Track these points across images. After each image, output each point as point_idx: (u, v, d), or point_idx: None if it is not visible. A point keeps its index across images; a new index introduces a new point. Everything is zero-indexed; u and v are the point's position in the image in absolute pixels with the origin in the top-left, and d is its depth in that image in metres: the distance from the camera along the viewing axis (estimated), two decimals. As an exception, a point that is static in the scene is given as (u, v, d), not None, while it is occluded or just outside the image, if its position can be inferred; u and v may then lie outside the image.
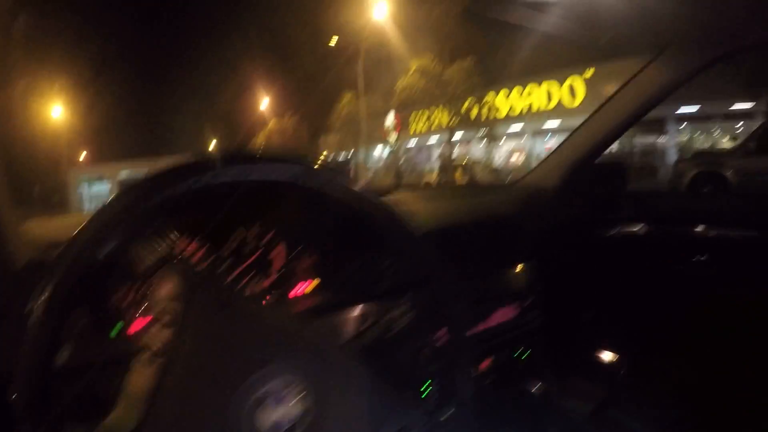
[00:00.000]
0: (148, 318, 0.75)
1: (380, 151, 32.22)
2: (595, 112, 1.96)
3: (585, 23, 1.53)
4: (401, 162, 28.18)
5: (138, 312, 0.98)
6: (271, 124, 38.05)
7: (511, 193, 2.08)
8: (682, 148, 19.84)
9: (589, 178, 1.98)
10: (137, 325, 0.98)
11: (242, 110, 41.21)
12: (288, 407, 0.71)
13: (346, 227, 1.08)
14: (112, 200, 0.70)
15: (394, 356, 1.15)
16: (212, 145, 50.98)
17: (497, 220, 1.74)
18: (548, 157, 2.11)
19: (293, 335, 0.76)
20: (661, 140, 21.12)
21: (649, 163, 19.97)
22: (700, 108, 19.51)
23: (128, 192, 0.71)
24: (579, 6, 1.44)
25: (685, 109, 19.83)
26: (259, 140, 38.76)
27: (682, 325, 1.79)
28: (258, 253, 1.20)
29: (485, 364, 1.60)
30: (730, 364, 1.69)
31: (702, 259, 1.74)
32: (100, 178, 43.25)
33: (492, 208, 1.83)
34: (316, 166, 0.84)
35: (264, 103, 39.76)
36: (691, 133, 21.20)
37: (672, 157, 18.74)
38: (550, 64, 20.90)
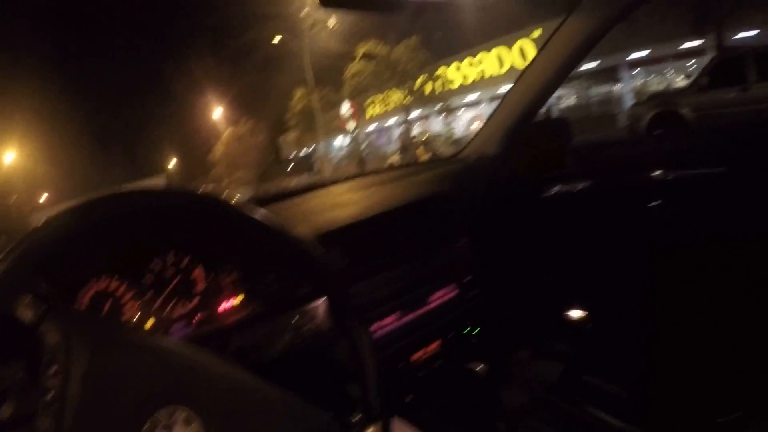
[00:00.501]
0: (37, 367, 0.71)
1: (341, 141, 32.19)
2: (524, 72, 1.93)
3: None
4: (363, 148, 28.17)
5: (26, 363, 0.94)
6: (227, 133, 37.70)
7: (451, 165, 2.03)
8: (638, 93, 20.09)
9: (528, 139, 1.96)
10: (24, 376, 0.94)
11: (197, 124, 40.72)
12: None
13: (248, 244, 1.13)
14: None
15: (306, 363, 1.22)
16: (172, 163, 50.54)
17: (433, 198, 1.68)
18: (485, 124, 2.09)
19: (184, 367, 0.74)
20: (617, 88, 21.40)
21: (606, 112, 20.21)
22: (651, 51, 19.77)
23: (17, 243, 0.69)
24: None
25: (636, 55, 20.09)
26: (218, 150, 38.42)
27: (641, 276, 1.78)
28: (177, 280, 1.21)
29: (433, 346, 1.59)
30: (696, 312, 1.68)
31: (655, 204, 1.71)
32: None
33: (430, 185, 1.78)
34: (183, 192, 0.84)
35: (217, 112, 39.33)
36: (645, 76, 21.51)
37: (628, 102, 18.97)
38: (497, 29, 21.01)
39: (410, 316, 1.49)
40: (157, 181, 45.67)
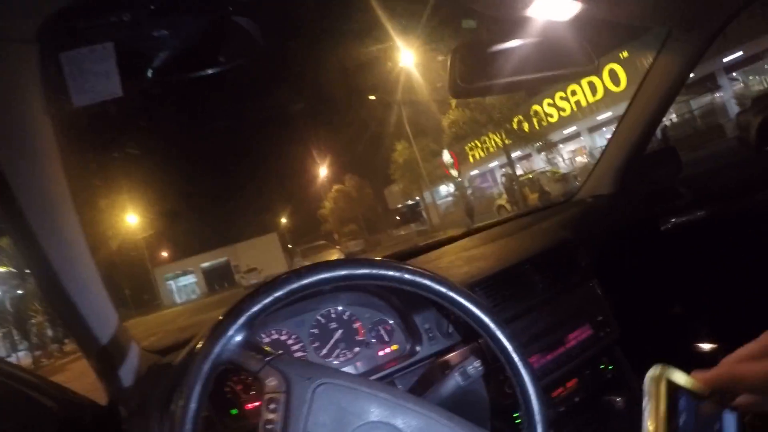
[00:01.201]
0: (258, 403, 0.87)
1: (446, 189, 32.56)
2: (628, 108, 1.96)
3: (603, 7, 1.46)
4: (469, 193, 28.34)
5: (249, 398, 1.23)
6: (334, 189, 39.06)
7: (570, 210, 2.07)
8: (740, 97, 19.14)
9: (640, 174, 1.98)
10: (249, 408, 1.22)
11: (303, 184, 42.55)
12: None
13: (407, 297, 1.23)
14: (226, 315, 0.86)
15: (479, 395, 1.31)
16: (282, 221, 52.69)
17: (561, 245, 1.73)
18: (596, 165, 2.11)
19: (385, 399, 0.87)
20: (718, 96, 20.50)
21: (711, 123, 19.35)
22: (745, 50, 18.82)
23: (236, 307, 0.86)
24: None
25: (731, 56, 19.24)
26: (326, 207, 39.75)
27: None
28: (340, 331, 1.38)
29: (571, 384, 1.64)
30: None
31: None
32: (184, 272, 45.82)
33: (555, 232, 1.83)
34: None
35: (322, 172, 40.95)
36: (745, 78, 20.44)
37: (733, 109, 18.11)
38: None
39: (549, 357, 1.54)
40: (270, 238, 47.60)
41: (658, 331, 1.92)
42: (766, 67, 19.70)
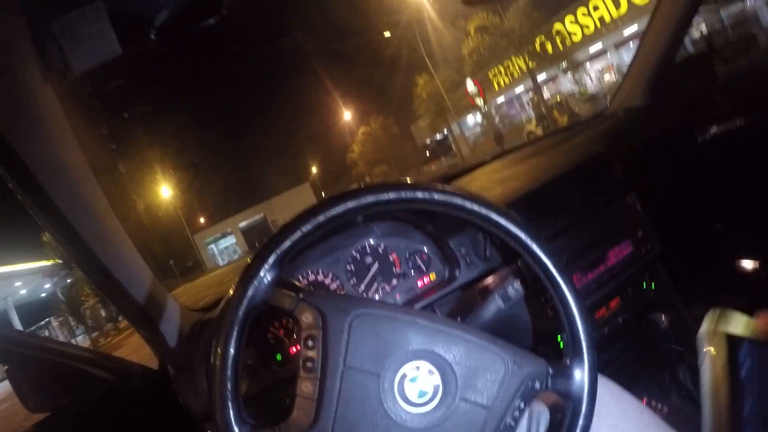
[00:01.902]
0: (298, 345, 0.85)
1: (473, 119, 32.24)
2: (653, 16, 1.87)
3: None
4: (497, 122, 28.07)
5: (290, 342, 1.26)
6: (360, 132, 38.92)
7: (603, 124, 1.99)
8: None
9: (672, 84, 1.89)
10: (292, 350, 1.26)
11: (328, 131, 42.47)
12: (429, 379, 0.82)
13: (443, 221, 1.24)
14: (255, 256, 0.83)
15: (520, 318, 1.30)
16: (313, 171, 52.95)
17: (595, 159, 1.67)
18: (625, 77, 2.04)
19: (424, 326, 0.84)
20: (749, 2, 19.65)
21: (743, 33, 18.65)
22: None
23: (265, 246, 0.83)
24: None
25: None
26: (355, 150, 39.72)
27: None
28: (377, 265, 1.38)
29: (614, 303, 1.61)
30: None
31: None
32: (224, 234, 46.51)
33: (587, 147, 1.77)
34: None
35: (346, 116, 40.73)
36: None
37: (766, 17, 17.40)
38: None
39: (591, 276, 1.50)
40: (303, 189, 47.94)
41: (700, 247, 1.86)
42: None
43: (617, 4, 21.64)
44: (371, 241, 1.39)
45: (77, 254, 0.97)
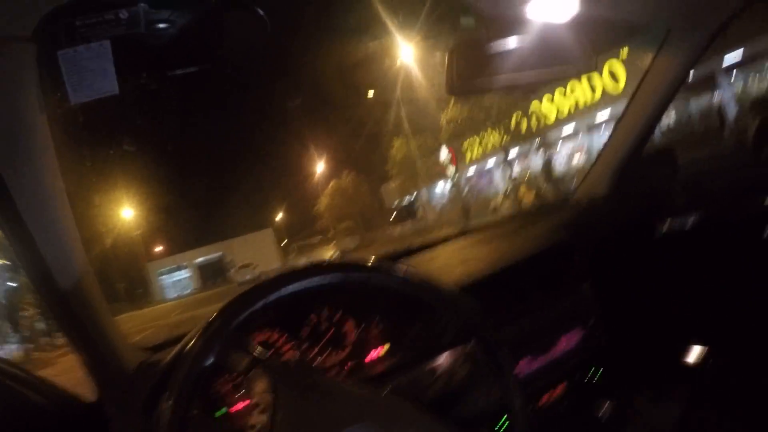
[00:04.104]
0: (246, 402, 0.93)
1: (443, 187, 32.51)
2: (626, 109, 1.96)
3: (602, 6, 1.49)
4: (465, 193, 28.28)
5: (237, 398, 1.22)
6: (331, 185, 38.97)
7: (566, 212, 2.08)
8: (739, 99, 19.05)
9: (636, 175, 1.96)
10: (237, 408, 1.22)
11: (299, 179, 42.41)
12: None
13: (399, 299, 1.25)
14: (216, 317, 0.91)
15: (462, 401, 1.33)
16: (278, 216, 52.65)
17: (555, 248, 1.75)
18: (593, 166, 2.10)
19: (368, 401, 0.92)
20: (716, 97, 20.39)
21: (710, 125, 19.28)
22: (745, 50, 18.72)
23: (227, 309, 0.91)
24: None
25: (730, 57, 19.14)
26: (323, 202, 39.66)
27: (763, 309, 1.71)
28: (331, 332, 1.38)
29: (560, 389, 1.66)
30: None
31: None
32: (178, 267, 46.00)
33: (549, 235, 1.86)
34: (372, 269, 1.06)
35: (319, 168, 40.80)
36: (744, 79, 20.34)
37: (731, 112, 18.00)
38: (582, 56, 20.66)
39: (540, 360, 1.56)
40: (265, 234, 47.65)
41: (648, 338, 1.92)
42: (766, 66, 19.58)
43: (593, 89, 22.27)
44: (331, 307, 1.38)
45: (27, 257, 0.99)
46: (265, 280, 0.95)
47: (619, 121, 1.98)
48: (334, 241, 32.10)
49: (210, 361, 0.85)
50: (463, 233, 2.17)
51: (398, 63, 24.50)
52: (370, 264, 1.04)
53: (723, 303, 1.80)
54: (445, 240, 2.08)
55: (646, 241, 1.92)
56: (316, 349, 1.36)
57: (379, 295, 1.36)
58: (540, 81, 1.51)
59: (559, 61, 1.48)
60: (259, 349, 0.95)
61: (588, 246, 1.80)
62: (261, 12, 1.01)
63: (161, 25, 0.95)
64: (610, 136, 2.02)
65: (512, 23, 1.41)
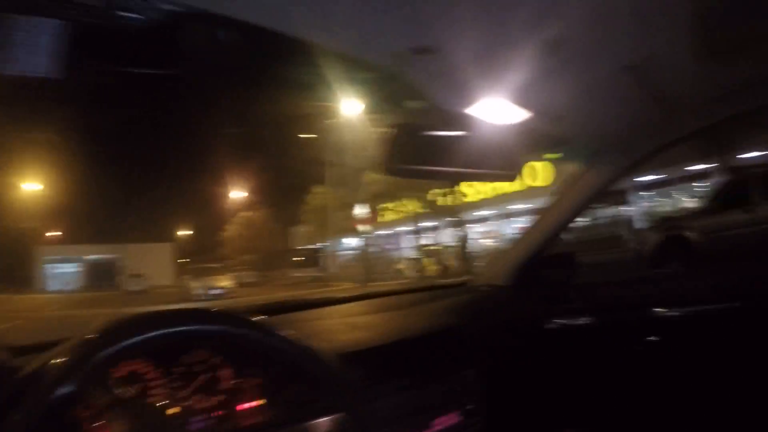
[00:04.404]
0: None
1: (351, 241, 32.60)
2: (544, 212, 2.11)
3: (543, 116, 1.58)
4: (372, 251, 28.46)
5: (91, 428, 1.13)
6: (243, 215, 38.30)
7: (464, 296, 2.15)
8: (646, 215, 20.57)
9: (537, 273, 2.07)
10: None
11: (211, 202, 41.31)
12: None
13: (275, 357, 1.25)
14: (83, 346, 0.88)
15: None
16: (183, 232, 50.85)
17: (447, 331, 1.77)
18: (500, 255, 2.22)
19: None
20: (625, 209, 21.90)
21: (615, 233, 20.50)
22: (660, 174, 20.32)
23: (95, 340, 0.88)
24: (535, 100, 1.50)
25: (644, 178, 20.69)
26: (231, 230, 38.77)
27: (638, 409, 1.88)
28: (205, 377, 1.31)
29: None
30: None
31: (654, 340, 1.86)
32: (68, 260, 43.42)
33: (444, 315, 1.88)
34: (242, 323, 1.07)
35: (235, 194, 39.88)
36: (654, 199, 22.01)
37: (638, 224, 19.30)
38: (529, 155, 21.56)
39: None
40: (164, 248, 45.85)
41: (527, 427, 1.95)
42: (671, 192, 21.39)
43: (514, 181, 23.11)
44: (209, 352, 1.31)
45: None
46: (143, 315, 0.94)
47: (536, 220, 2.12)
48: (233, 273, 31.33)
49: (69, 389, 0.83)
50: (360, 297, 2.20)
51: (336, 121, 24.74)
52: (252, 320, 1.04)
53: (599, 402, 1.93)
54: (342, 300, 2.10)
55: (534, 337, 1.97)
56: (186, 392, 1.29)
57: (260, 350, 1.33)
58: (465, 178, 1.60)
59: (488, 164, 1.56)
60: (122, 387, 0.96)
61: (478, 333, 1.83)
62: (222, 33, 1.01)
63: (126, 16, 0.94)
64: (525, 232, 2.14)
65: (454, 116, 1.48)
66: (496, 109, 1.46)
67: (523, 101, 1.47)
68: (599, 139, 1.87)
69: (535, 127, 1.63)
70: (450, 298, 2.09)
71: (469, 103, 1.43)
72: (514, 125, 1.56)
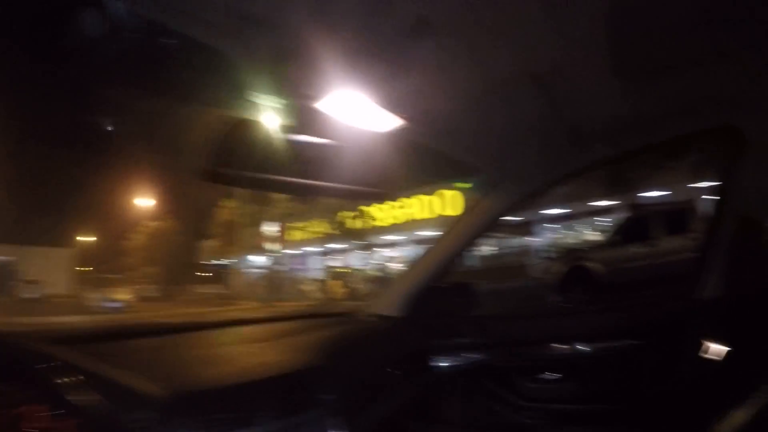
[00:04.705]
0: None
1: (259, 260, 32.08)
2: (438, 239, 2.02)
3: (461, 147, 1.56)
4: (279, 271, 28.10)
5: None
6: (150, 226, 36.95)
7: (348, 325, 2.00)
8: (552, 246, 21.39)
9: (430, 305, 1.93)
10: None
11: (121, 209, 39.21)
12: None
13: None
14: None
15: None
16: (85, 237, 48.34)
17: (312, 370, 1.54)
18: (392, 283, 2.10)
19: None
20: (531, 240, 22.67)
21: (520, 262, 21.09)
22: (566, 208, 21.20)
23: None
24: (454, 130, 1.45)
25: (551, 211, 21.54)
26: (136, 239, 37.30)
27: None
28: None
29: None
30: None
31: (550, 377, 1.84)
32: None
33: (314, 348, 1.66)
34: None
35: (139, 201, 38.20)
36: (559, 231, 22.93)
37: (541, 254, 19.95)
38: (425, 178, 21.98)
39: None
40: (65, 253, 43.36)
41: None
42: (574, 226, 22.42)
43: (428, 209, 23.49)
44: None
45: None
46: None
47: (430, 248, 2.02)
48: (134, 285, 30.12)
49: None
50: (259, 320, 2.04)
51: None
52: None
53: None
54: (241, 321, 1.95)
55: (421, 374, 1.84)
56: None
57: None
58: (324, 193, 1.41)
59: (352, 180, 1.37)
60: None
61: (348, 371, 1.63)
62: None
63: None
64: (419, 259, 2.04)
65: (313, 120, 1.28)
66: (358, 109, 1.26)
67: (395, 105, 1.29)
68: (503, 168, 1.82)
69: (415, 139, 1.50)
70: (332, 328, 1.89)
71: (324, 97, 1.21)
72: (387, 135, 1.38)
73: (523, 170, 1.83)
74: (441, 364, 1.85)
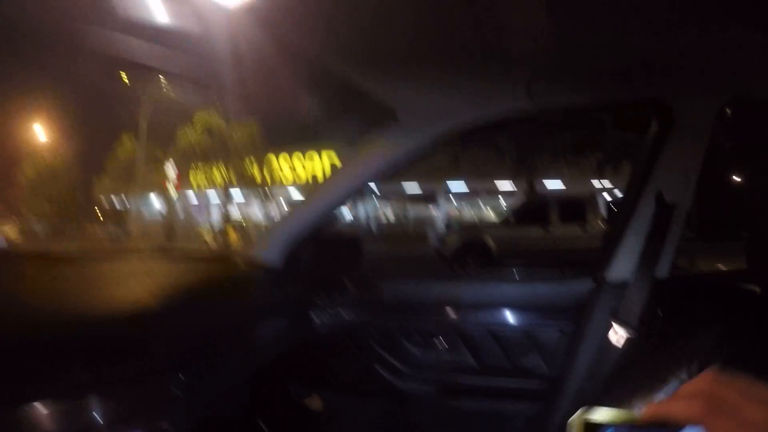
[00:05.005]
0: None
1: (159, 203, 31.00)
2: (316, 188, 1.91)
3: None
4: (178, 216, 27.36)
5: None
6: (40, 159, 34.66)
7: (227, 267, 1.83)
8: (452, 219, 21.99)
9: (315, 256, 1.77)
10: None
11: (3, 129, 36.21)
12: None
13: None
14: None
15: None
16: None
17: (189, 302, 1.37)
18: (269, 230, 1.95)
19: None
20: (434, 212, 23.19)
21: (420, 231, 21.57)
22: (469, 185, 21.80)
23: None
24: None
25: (454, 186, 22.06)
26: (26, 171, 34.87)
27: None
28: None
29: None
30: None
31: (439, 345, 1.80)
32: None
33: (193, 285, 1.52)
34: None
35: (34, 129, 35.74)
36: (461, 206, 23.60)
37: (441, 226, 20.46)
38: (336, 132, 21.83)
39: None
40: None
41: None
42: (479, 202, 22.94)
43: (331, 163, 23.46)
44: None
45: None
46: None
47: (306, 196, 1.86)
48: (22, 221, 28.57)
49: None
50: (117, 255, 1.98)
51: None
52: None
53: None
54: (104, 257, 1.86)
55: (298, 329, 1.74)
56: None
57: None
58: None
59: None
60: None
61: (241, 312, 1.53)
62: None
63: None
64: (296, 204, 1.95)
65: None
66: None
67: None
68: (408, 105, 1.65)
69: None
70: (197, 273, 1.70)
71: None
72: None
73: (427, 112, 1.65)
74: (321, 320, 1.77)
